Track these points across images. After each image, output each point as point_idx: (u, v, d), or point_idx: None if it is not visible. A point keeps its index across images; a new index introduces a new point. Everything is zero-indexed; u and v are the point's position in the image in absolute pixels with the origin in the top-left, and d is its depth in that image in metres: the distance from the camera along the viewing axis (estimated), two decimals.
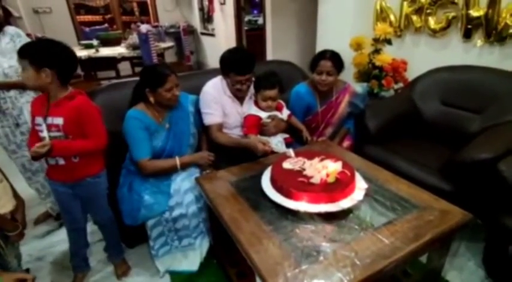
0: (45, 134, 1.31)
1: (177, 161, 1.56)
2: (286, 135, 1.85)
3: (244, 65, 1.64)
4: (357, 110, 1.98)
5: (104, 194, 1.53)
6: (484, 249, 1.52)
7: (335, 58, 1.83)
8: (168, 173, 1.59)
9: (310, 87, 1.95)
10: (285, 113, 1.84)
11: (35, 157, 1.26)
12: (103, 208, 1.55)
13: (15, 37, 1.82)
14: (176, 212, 1.52)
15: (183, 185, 1.57)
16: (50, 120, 1.31)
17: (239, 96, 1.79)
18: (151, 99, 1.52)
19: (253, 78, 1.74)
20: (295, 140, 1.89)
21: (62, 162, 1.37)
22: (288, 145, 1.78)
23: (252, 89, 1.79)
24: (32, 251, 1.84)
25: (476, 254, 1.64)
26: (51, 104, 1.31)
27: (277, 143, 1.73)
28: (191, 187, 1.56)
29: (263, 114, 1.74)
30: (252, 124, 1.72)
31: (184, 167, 1.59)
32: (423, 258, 1.37)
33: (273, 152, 1.59)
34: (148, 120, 1.54)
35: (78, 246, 1.59)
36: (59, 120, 1.31)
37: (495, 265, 1.48)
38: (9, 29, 1.83)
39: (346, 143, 2.02)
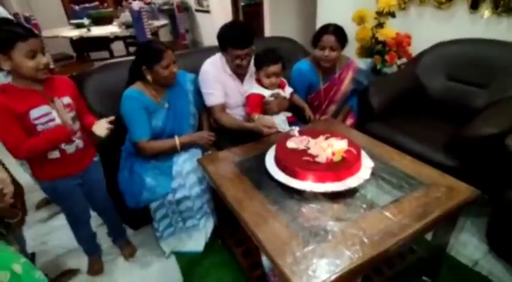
0: (58, 120, 1.18)
1: (177, 141, 1.52)
2: (289, 114, 1.81)
3: (243, 38, 1.58)
4: (361, 87, 1.94)
5: (103, 177, 1.51)
6: (488, 224, 1.53)
7: (339, 32, 1.76)
8: (169, 155, 1.56)
9: (312, 63, 1.90)
10: (287, 91, 1.80)
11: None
12: (104, 193, 1.53)
13: None
14: (179, 194, 1.50)
15: (185, 166, 1.54)
16: (58, 102, 1.17)
17: (240, 74, 1.74)
18: (149, 77, 1.46)
19: (253, 55, 1.68)
20: (298, 118, 1.85)
21: (81, 145, 1.31)
22: (290, 124, 1.75)
23: (252, 67, 1.74)
24: (36, 236, 1.84)
25: (480, 229, 1.66)
26: (44, 86, 1.19)
27: (280, 122, 1.69)
28: (193, 168, 1.54)
29: (266, 93, 1.69)
30: (255, 103, 1.68)
31: (184, 147, 1.55)
32: (428, 235, 1.38)
33: (277, 132, 1.55)
34: (147, 99, 1.48)
35: (86, 237, 1.57)
36: (68, 99, 1.24)
37: (498, 239, 1.49)
38: None
39: (349, 121, 1.99)
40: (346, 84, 1.91)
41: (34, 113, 1.14)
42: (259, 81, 1.71)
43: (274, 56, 1.64)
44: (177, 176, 1.52)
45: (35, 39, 1.10)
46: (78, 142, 1.30)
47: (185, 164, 1.55)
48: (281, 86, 1.77)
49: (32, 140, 1.13)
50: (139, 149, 1.49)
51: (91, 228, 1.58)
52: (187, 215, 1.57)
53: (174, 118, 1.57)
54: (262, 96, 1.69)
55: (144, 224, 1.81)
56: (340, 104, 1.97)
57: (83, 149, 1.33)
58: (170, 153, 1.56)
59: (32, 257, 1.60)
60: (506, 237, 1.43)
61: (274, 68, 1.64)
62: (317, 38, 1.79)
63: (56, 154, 1.24)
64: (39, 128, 1.15)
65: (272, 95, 1.71)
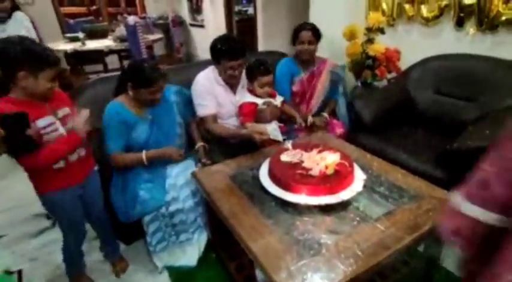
0: (62, 130, 1.23)
1: (143, 155, 1.50)
2: (281, 124, 1.87)
3: (236, 49, 1.66)
4: (339, 78, 2.16)
5: (101, 188, 1.51)
6: None
7: (314, 28, 2.04)
8: (162, 167, 1.57)
9: (293, 59, 2.14)
10: (278, 100, 1.88)
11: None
12: (101, 204, 1.52)
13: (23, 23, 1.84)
14: (173, 207, 1.50)
15: (178, 179, 1.55)
16: (60, 114, 1.24)
17: (232, 85, 1.80)
18: (131, 93, 1.49)
19: (244, 67, 1.76)
20: (289, 128, 1.95)
21: (83, 153, 1.33)
22: (282, 134, 1.79)
23: (244, 78, 1.81)
24: (24, 251, 1.80)
25: None
26: (49, 100, 1.22)
27: (272, 130, 1.74)
28: (187, 181, 1.54)
29: (259, 101, 1.76)
30: (249, 111, 1.74)
31: (151, 160, 1.51)
32: (420, 247, 1.39)
33: (270, 140, 1.61)
34: (127, 113, 1.50)
35: (79, 249, 1.54)
36: (67, 110, 1.28)
37: None
38: (18, 15, 1.86)
39: (339, 131, 2.08)
40: (325, 75, 2.13)
41: (40, 123, 1.16)
42: (251, 92, 1.79)
43: (266, 67, 1.75)
44: (171, 188, 1.52)
45: (57, 66, 1.19)
46: (80, 150, 1.32)
47: (179, 177, 1.55)
48: (272, 96, 1.85)
49: (51, 146, 1.17)
50: (110, 161, 1.50)
51: (83, 240, 1.54)
52: (180, 228, 1.55)
53: (158, 130, 1.58)
54: (256, 105, 1.75)
55: (136, 239, 1.78)
56: (324, 97, 2.14)
57: (85, 158, 1.35)
58: (163, 165, 1.56)
59: (18, 276, 1.56)
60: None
61: (268, 78, 1.74)
62: (296, 34, 2.04)
63: (60, 164, 1.25)
64: (45, 138, 1.18)
65: (264, 103, 1.78)
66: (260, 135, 1.52)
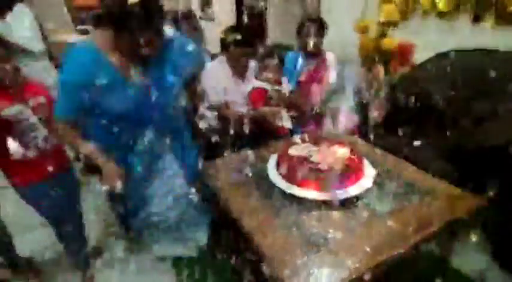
0: (33, 119, 1.22)
1: (91, 150, 1.16)
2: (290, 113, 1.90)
3: (243, 36, 1.70)
4: (345, 70, 2.23)
5: (75, 191, 1.50)
6: (491, 235, 1.51)
7: (320, 21, 2.08)
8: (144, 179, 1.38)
9: (298, 51, 2.18)
10: (286, 88, 1.93)
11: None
12: (72, 207, 1.48)
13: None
14: (156, 217, 1.46)
15: (162, 189, 1.44)
16: (32, 102, 1.24)
17: (241, 73, 1.84)
18: (110, 39, 1.08)
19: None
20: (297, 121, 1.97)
21: (46, 147, 1.29)
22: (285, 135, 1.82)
23: (252, 67, 1.87)
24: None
25: (483, 239, 1.63)
26: (16, 89, 1.22)
27: (283, 116, 1.79)
28: (171, 189, 1.45)
29: (268, 86, 1.80)
30: (259, 96, 1.79)
31: (89, 160, 1.20)
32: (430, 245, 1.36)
33: (280, 127, 1.71)
34: (105, 66, 1.08)
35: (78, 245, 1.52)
36: (41, 99, 1.27)
37: (502, 250, 1.48)
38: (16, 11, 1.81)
39: (350, 125, 2.07)
40: (331, 67, 2.15)
41: (7, 112, 1.17)
42: (257, 78, 1.85)
43: (269, 52, 1.84)
44: (154, 199, 1.44)
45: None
46: (42, 143, 1.28)
47: (162, 187, 1.44)
48: (277, 83, 1.89)
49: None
50: (56, 126, 1.21)
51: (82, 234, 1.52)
52: (176, 227, 1.53)
53: (154, 97, 1.19)
54: (266, 90, 1.79)
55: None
56: (331, 90, 2.16)
57: (51, 153, 1.31)
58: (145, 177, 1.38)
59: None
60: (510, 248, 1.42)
61: (270, 61, 1.80)
62: (302, 27, 2.07)
63: (34, 152, 1.24)
64: (17, 127, 1.19)
65: (273, 90, 1.82)
66: (273, 115, 1.61)
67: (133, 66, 1.14)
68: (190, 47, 1.31)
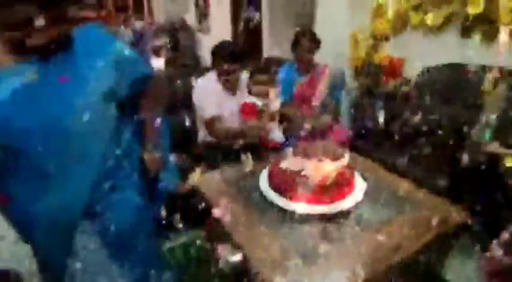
0: None
1: None
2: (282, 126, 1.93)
3: (232, 52, 1.72)
4: (339, 83, 2.23)
5: None
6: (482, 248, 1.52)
7: (313, 36, 2.11)
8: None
9: (293, 65, 2.21)
10: (278, 101, 1.91)
11: None
12: None
13: None
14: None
15: None
16: None
17: (231, 88, 1.84)
18: None
19: (242, 74, 1.85)
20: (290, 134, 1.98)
21: None
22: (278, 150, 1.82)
23: (243, 82, 1.87)
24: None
25: (475, 251, 1.63)
26: None
27: (274, 130, 1.79)
28: None
29: (259, 102, 1.79)
30: (250, 111, 1.78)
31: None
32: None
33: (270, 141, 1.70)
34: None
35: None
36: None
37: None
38: None
39: (341, 138, 2.07)
40: (325, 80, 2.17)
41: None
42: (250, 92, 1.85)
43: (264, 67, 1.86)
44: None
45: None
46: None
47: None
48: (272, 97, 1.88)
49: None
50: None
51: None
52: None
53: (48, 107, 0.80)
54: (256, 105, 1.79)
55: None
56: (324, 102, 2.17)
57: None
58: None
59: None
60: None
61: (263, 77, 1.79)
62: (296, 41, 2.10)
63: None
64: None
65: (264, 105, 1.81)
66: (264, 131, 1.61)
67: (16, 54, 0.77)
68: (127, 52, 0.99)
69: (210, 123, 1.78)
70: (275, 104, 1.87)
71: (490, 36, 1.97)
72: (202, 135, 1.91)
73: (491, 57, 1.98)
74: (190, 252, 1.72)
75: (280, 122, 1.93)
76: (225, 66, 1.72)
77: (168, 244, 1.77)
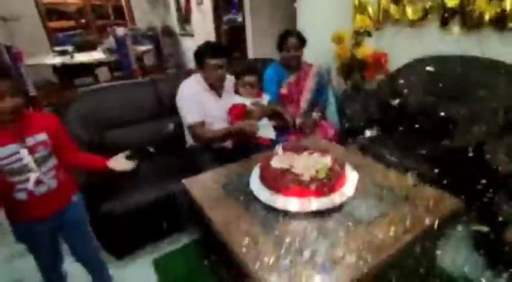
0: (27, 160, 1.07)
1: None
2: (273, 122, 1.91)
3: (218, 47, 1.77)
4: (324, 80, 2.29)
5: (86, 219, 1.35)
6: (475, 235, 1.54)
7: (299, 35, 2.12)
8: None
9: (279, 64, 2.21)
10: (265, 99, 1.95)
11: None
12: (88, 235, 1.35)
13: None
14: None
15: None
16: (30, 141, 1.08)
17: (217, 89, 1.82)
18: None
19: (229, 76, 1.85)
20: (279, 132, 1.97)
21: (54, 185, 1.15)
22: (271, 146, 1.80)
23: (228, 83, 1.88)
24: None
25: (468, 238, 1.66)
26: (15, 125, 1.07)
27: (263, 126, 1.78)
28: None
29: (247, 102, 1.80)
30: (238, 113, 1.78)
31: None
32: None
33: (262, 138, 1.72)
34: None
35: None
36: (43, 137, 1.12)
37: (488, 249, 1.50)
38: None
39: (330, 133, 2.11)
40: (311, 78, 2.20)
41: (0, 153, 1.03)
42: (237, 92, 1.86)
43: (250, 68, 1.87)
44: None
45: (3, 81, 1.01)
46: (51, 181, 1.15)
47: None
48: (259, 96, 1.91)
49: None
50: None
51: (61, 272, 1.38)
52: None
53: None
54: (244, 106, 1.79)
55: (128, 253, 1.73)
56: (311, 100, 2.19)
57: (57, 190, 1.17)
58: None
59: None
60: (494, 247, 1.44)
61: (251, 78, 1.82)
62: (281, 41, 2.10)
63: (22, 196, 1.09)
64: (6, 168, 1.05)
65: (252, 104, 1.82)
66: (250, 126, 1.61)
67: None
68: None
69: (194, 128, 1.75)
70: (263, 103, 1.88)
71: (468, 26, 2.00)
72: (190, 139, 1.87)
73: (470, 47, 2.02)
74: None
75: (270, 118, 1.92)
76: (213, 61, 1.71)
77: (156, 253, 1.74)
